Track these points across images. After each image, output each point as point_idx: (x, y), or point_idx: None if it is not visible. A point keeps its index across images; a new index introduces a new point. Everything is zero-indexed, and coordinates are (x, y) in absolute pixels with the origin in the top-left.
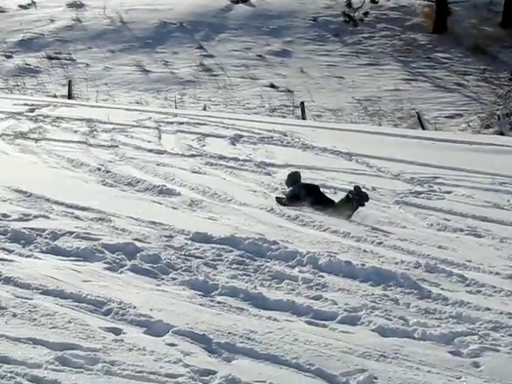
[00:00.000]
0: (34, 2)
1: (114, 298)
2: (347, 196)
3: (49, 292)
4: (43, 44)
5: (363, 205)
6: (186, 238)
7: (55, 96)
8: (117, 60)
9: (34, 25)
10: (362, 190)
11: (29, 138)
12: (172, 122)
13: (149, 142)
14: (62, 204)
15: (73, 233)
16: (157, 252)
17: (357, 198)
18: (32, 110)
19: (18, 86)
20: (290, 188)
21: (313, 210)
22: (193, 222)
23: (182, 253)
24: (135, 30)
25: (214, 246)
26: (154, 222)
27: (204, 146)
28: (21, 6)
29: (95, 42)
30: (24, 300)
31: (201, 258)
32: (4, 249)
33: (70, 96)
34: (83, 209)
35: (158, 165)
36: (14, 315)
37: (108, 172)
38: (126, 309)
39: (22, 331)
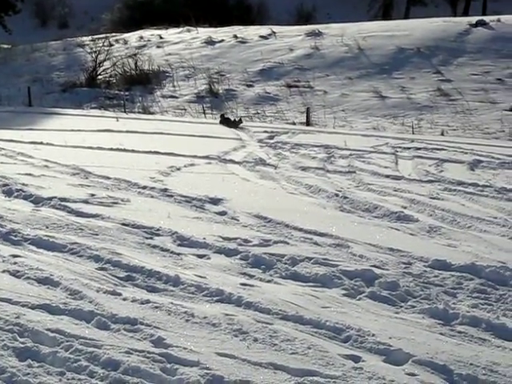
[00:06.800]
0: (274, 33)
1: (352, 324)
2: None
3: (288, 317)
4: (282, 73)
5: None
6: (424, 265)
7: (294, 123)
8: (354, 87)
9: (274, 54)
10: None
11: (268, 164)
12: (409, 148)
13: (385, 167)
14: (300, 230)
15: (311, 258)
16: (395, 279)
17: None
18: (271, 137)
19: (258, 113)
20: None
21: None
22: (431, 249)
23: (421, 280)
24: (372, 57)
25: (453, 273)
26: (391, 249)
27: (442, 171)
28: (261, 37)
29: (333, 70)
30: (264, 325)
31: (440, 285)
32: (245, 274)
33: (308, 123)
34: (321, 235)
35: (395, 191)
36: (256, 340)
37: (345, 198)
38: (365, 336)
39: (263, 356)
